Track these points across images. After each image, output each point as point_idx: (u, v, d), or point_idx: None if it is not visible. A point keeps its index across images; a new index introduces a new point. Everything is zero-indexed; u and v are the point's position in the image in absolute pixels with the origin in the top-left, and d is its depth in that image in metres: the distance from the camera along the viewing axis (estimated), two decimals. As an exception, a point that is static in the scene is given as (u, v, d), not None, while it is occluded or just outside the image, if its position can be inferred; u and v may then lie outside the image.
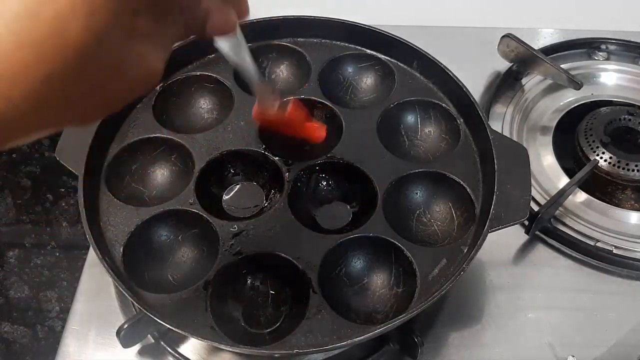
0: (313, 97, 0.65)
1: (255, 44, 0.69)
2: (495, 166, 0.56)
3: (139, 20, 0.28)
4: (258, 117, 0.54)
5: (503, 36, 0.80)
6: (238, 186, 0.62)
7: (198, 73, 0.67)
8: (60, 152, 0.58)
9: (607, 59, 0.85)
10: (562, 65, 0.79)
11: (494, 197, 0.54)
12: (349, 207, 0.61)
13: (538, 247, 0.67)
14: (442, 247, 0.55)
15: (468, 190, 0.58)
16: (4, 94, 0.25)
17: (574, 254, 0.66)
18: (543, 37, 0.88)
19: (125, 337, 0.53)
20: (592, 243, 0.66)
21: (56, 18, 0.25)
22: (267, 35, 0.69)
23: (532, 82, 0.82)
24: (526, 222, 0.66)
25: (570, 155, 0.75)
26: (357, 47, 0.69)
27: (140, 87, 0.31)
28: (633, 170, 0.69)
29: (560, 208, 0.68)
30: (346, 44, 0.69)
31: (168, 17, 0.31)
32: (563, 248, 0.66)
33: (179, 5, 0.32)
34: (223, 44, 0.39)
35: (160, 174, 0.62)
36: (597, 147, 0.71)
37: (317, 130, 0.58)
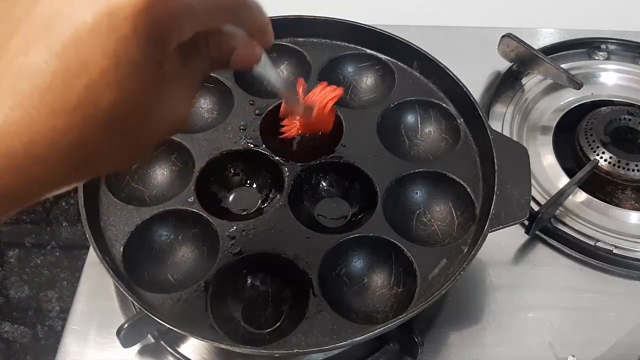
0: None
1: (255, 43, 0.69)
2: (496, 166, 0.56)
3: (165, 69, 0.29)
4: (285, 115, 0.57)
5: (503, 36, 0.80)
6: (239, 185, 0.62)
7: (198, 73, 0.67)
8: (60, 152, 0.58)
9: (607, 58, 0.85)
10: (562, 65, 0.79)
11: (494, 196, 0.54)
12: (349, 206, 0.61)
13: (538, 247, 0.67)
14: (442, 247, 0.55)
15: (468, 190, 0.58)
16: (40, 159, 0.26)
17: (574, 253, 0.66)
18: (543, 37, 0.88)
19: (125, 337, 0.53)
20: (592, 243, 0.66)
21: (88, 88, 0.25)
22: (267, 35, 0.69)
23: (532, 82, 0.82)
24: (526, 222, 0.66)
25: (570, 155, 0.75)
26: (357, 46, 0.69)
27: (170, 131, 0.31)
28: (633, 170, 0.69)
29: (560, 208, 0.68)
30: (346, 44, 0.69)
31: (194, 57, 0.32)
32: (563, 248, 0.66)
33: (205, 45, 0.32)
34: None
35: (161, 174, 0.62)
36: (597, 147, 0.71)
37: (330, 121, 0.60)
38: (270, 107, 0.64)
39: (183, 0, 0.27)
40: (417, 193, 0.60)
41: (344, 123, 0.62)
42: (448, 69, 0.64)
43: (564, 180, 0.71)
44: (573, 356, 0.58)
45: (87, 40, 0.25)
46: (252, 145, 0.61)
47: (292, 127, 0.59)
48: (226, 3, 0.31)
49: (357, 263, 0.56)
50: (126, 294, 0.49)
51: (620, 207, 0.70)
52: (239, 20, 0.33)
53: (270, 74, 0.42)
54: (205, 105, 0.67)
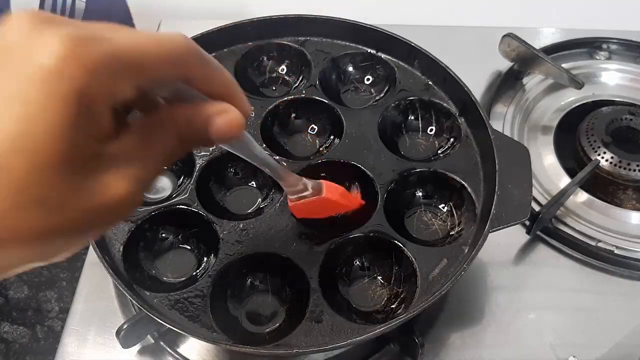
0: (314, 97, 0.64)
1: (256, 42, 0.69)
2: (496, 166, 0.55)
3: (107, 146, 0.25)
4: (296, 208, 0.50)
5: (504, 35, 0.79)
6: (239, 185, 0.62)
7: (198, 72, 0.67)
8: (59, 151, 0.57)
9: (609, 58, 0.85)
10: (563, 65, 0.79)
11: (495, 196, 0.53)
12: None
13: (539, 247, 0.67)
14: (442, 247, 0.55)
15: (469, 189, 0.58)
16: None
17: (575, 254, 0.66)
18: (544, 37, 0.88)
19: (125, 337, 0.53)
20: (593, 243, 0.65)
21: None
22: (268, 34, 0.69)
23: (533, 82, 0.82)
24: (527, 222, 0.66)
25: (571, 155, 0.75)
26: (358, 46, 0.69)
27: (108, 219, 0.27)
28: (634, 170, 0.69)
29: (561, 208, 0.68)
30: (347, 43, 0.69)
31: (157, 133, 0.28)
32: (564, 248, 0.66)
33: (171, 121, 0.28)
34: (230, 147, 0.35)
35: (160, 173, 0.61)
36: (599, 147, 0.71)
37: (355, 198, 0.55)
38: (270, 107, 0.63)
39: (106, 49, 0.24)
40: (417, 193, 0.60)
41: (344, 122, 0.62)
42: (449, 68, 0.63)
43: (565, 180, 0.70)
44: (574, 357, 0.58)
45: None
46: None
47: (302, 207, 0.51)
48: (168, 49, 0.27)
49: (357, 263, 0.56)
50: (126, 294, 0.49)
51: (622, 207, 0.69)
52: (192, 73, 0.29)
53: (256, 148, 0.37)
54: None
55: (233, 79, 0.31)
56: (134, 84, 0.26)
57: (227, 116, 0.29)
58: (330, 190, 0.50)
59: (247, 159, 0.38)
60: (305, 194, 0.48)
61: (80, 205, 0.25)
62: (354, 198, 0.55)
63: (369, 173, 0.59)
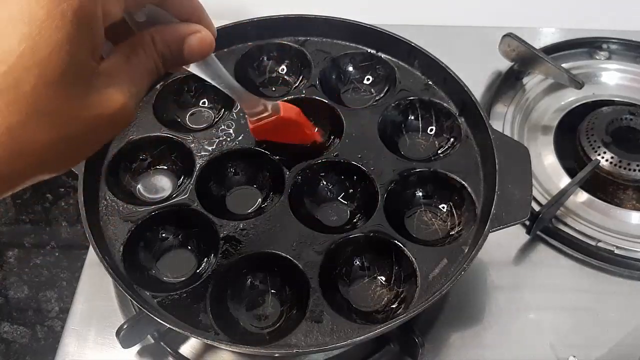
0: (314, 97, 0.64)
1: (256, 42, 0.69)
2: (496, 166, 0.55)
3: (101, 64, 0.29)
4: (256, 130, 0.55)
5: (504, 35, 0.79)
6: (239, 185, 0.62)
7: (198, 72, 0.67)
8: (59, 151, 0.57)
9: (609, 58, 0.85)
10: (563, 65, 0.79)
11: (495, 196, 0.53)
12: (349, 206, 0.61)
13: (539, 247, 0.67)
14: (442, 247, 0.55)
15: (469, 189, 0.58)
16: None
17: (575, 254, 0.65)
18: (544, 37, 0.88)
19: (125, 338, 0.53)
20: (593, 243, 0.65)
21: (6, 73, 0.25)
22: (268, 34, 0.69)
23: (533, 82, 0.82)
24: (527, 222, 0.66)
25: (571, 155, 0.75)
26: (358, 45, 0.69)
27: (109, 130, 0.31)
28: (634, 170, 0.69)
29: (561, 208, 0.68)
30: (347, 43, 0.69)
31: (139, 52, 0.32)
32: (564, 248, 0.66)
33: (151, 41, 0.33)
34: (200, 68, 0.40)
35: (161, 173, 0.61)
36: (599, 147, 0.71)
37: (314, 130, 0.59)
38: (271, 107, 0.63)
39: None
40: (417, 193, 0.60)
41: (344, 122, 0.62)
42: (449, 68, 0.63)
43: (565, 180, 0.70)
44: (574, 357, 0.58)
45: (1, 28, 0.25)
46: (252, 145, 0.61)
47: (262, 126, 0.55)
48: None
49: (357, 263, 0.56)
50: (126, 294, 0.49)
51: (622, 207, 0.69)
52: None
53: (222, 73, 0.42)
54: (205, 104, 0.67)
55: (201, 4, 0.36)
56: (122, 5, 0.30)
57: (200, 35, 0.35)
58: (287, 109, 0.54)
59: (211, 81, 0.42)
60: (265, 114, 0.52)
61: (84, 116, 0.28)
62: (309, 122, 0.58)
63: (368, 173, 0.59)
